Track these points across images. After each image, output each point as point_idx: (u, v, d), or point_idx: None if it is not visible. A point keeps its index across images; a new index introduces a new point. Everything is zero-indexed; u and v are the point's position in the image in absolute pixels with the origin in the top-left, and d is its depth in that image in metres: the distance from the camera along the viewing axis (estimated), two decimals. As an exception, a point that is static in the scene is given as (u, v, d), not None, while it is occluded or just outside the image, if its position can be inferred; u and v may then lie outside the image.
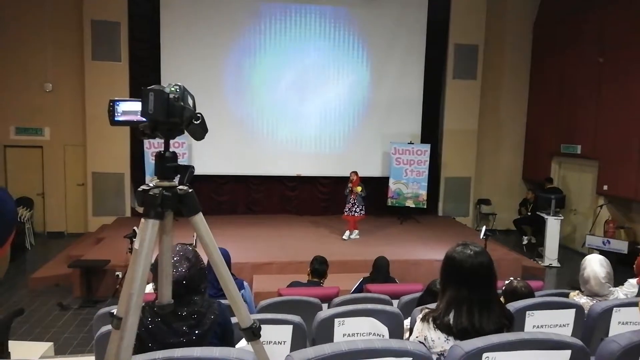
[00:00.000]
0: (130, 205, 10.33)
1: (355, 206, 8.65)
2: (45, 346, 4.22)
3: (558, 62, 10.72)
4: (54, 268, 7.75)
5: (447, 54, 11.11)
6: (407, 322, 2.89)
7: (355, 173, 8.70)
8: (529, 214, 10.64)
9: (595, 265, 3.19)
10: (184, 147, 9.67)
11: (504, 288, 3.12)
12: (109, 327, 1.64)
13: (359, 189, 8.51)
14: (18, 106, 10.03)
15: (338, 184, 10.19)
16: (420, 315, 1.94)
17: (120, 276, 6.83)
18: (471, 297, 1.81)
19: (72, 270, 6.97)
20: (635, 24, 8.55)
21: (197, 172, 1.62)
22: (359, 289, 5.04)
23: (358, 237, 8.92)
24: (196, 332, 1.92)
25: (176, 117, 1.47)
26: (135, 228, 6.17)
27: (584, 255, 3.56)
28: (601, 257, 3.31)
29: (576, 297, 3.25)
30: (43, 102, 10.11)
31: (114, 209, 10.18)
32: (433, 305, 1.96)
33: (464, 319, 1.80)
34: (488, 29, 11.17)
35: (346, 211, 8.77)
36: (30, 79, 10.02)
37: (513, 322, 1.89)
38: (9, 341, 3.74)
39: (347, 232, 8.89)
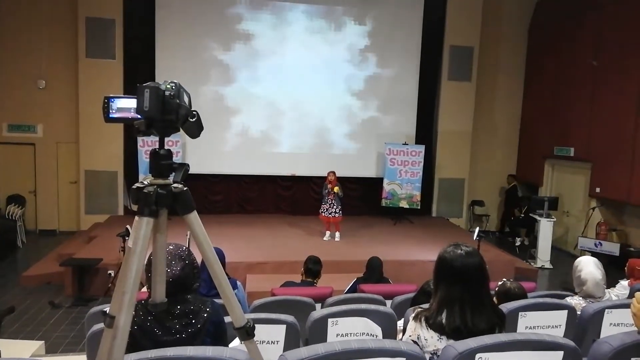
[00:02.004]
0: (123, 203, 10.28)
1: (334, 207, 8.51)
2: (36, 345, 4.19)
3: (553, 64, 10.79)
4: (45, 266, 7.69)
5: (443, 55, 11.14)
6: (400, 323, 2.90)
7: (333, 173, 8.52)
8: (522, 215, 10.70)
9: (591, 267, 3.20)
10: (178, 146, 9.64)
11: (496, 289, 3.13)
12: (101, 325, 1.63)
13: (337, 189, 8.38)
14: (11, 103, 9.96)
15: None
16: (413, 314, 1.95)
17: (112, 275, 6.80)
18: (463, 297, 1.82)
19: (64, 268, 6.92)
20: (630, 27, 8.62)
21: (191, 170, 1.61)
22: (353, 289, 5.04)
23: (339, 239, 8.73)
24: (189, 330, 1.91)
25: (172, 114, 1.46)
26: (127, 227, 6.15)
27: (576, 257, 3.57)
28: (595, 259, 3.32)
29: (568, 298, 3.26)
30: (36, 99, 10.03)
31: (106, 207, 10.12)
32: (426, 305, 1.97)
33: (456, 318, 1.80)
34: (483, 31, 11.22)
35: (323, 212, 8.60)
36: (24, 76, 9.95)
37: (505, 321, 1.90)
38: (0, 339, 3.71)
39: (328, 233, 8.77)
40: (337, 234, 8.79)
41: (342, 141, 10.92)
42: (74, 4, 9.77)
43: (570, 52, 10.21)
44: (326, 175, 8.61)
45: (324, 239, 8.74)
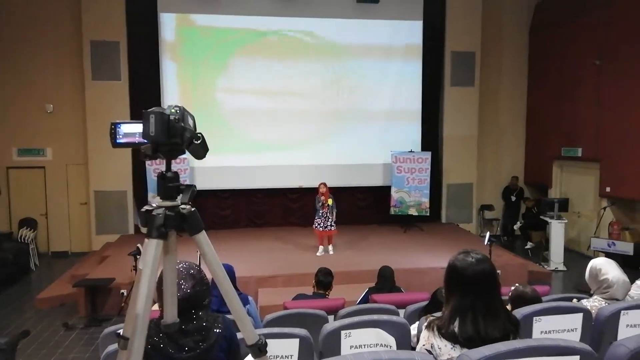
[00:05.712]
0: (133, 222, 10.33)
1: (329, 220, 8.24)
2: (51, 367, 4.20)
3: (555, 65, 10.76)
4: (58, 288, 7.74)
5: (444, 61, 11.16)
6: (414, 327, 2.89)
7: (324, 184, 8.29)
8: (541, 217, 10.49)
9: (617, 270, 3.14)
10: (186, 163, 9.70)
11: (510, 294, 3.11)
12: (116, 346, 1.64)
13: (330, 201, 8.15)
14: (20, 127, 10.10)
15: (340, 194, 10.14)
16: (426, 323, 1.94)
17: (125, 294, 6.82)
18: (475, 305, 1.81)
19: (77, 289, 6.96)
20: (631, 24, 8.60)
21: (199, 187, 1.63)
22: (365, 300, 5.02)
23: (332, 252, 8.54)
24: (201, 346, 1.92)
25: (177, 137, 1.49)
26: (139, 245, 6.17)
27: (590, 258, 3.54)
28: (612, 260, 3.28)
29: (584, 300, 3.22)
30: (44, 123, 10.17)
31: (117, 226, 10.19)
32: (439, 314, 1.96)
33: (469, 326, 1.79)
34: (484, 35, 11.24)
35: (318, 226, 8.32)
36: (31, 100, 10.10)
37: (519, 328, 1.88)
38: (16, 364, 3.72)
39: (321, 247, 8.47)
40: (331, 247, 8.57)
41: (348, 150, 10.90)
42: (78, 28, 9.93)
43: (572, 52, 10.19)
44: (317, 187, 8.39)
45: (317, 254, 8.39)
